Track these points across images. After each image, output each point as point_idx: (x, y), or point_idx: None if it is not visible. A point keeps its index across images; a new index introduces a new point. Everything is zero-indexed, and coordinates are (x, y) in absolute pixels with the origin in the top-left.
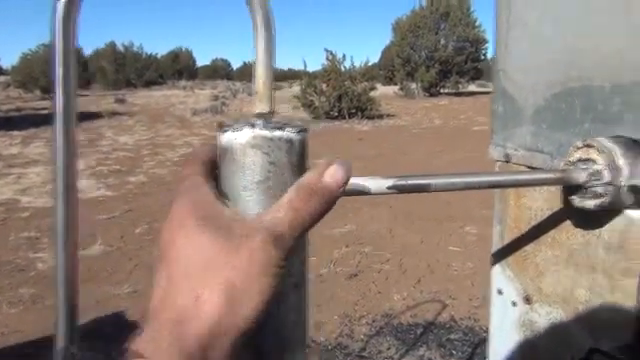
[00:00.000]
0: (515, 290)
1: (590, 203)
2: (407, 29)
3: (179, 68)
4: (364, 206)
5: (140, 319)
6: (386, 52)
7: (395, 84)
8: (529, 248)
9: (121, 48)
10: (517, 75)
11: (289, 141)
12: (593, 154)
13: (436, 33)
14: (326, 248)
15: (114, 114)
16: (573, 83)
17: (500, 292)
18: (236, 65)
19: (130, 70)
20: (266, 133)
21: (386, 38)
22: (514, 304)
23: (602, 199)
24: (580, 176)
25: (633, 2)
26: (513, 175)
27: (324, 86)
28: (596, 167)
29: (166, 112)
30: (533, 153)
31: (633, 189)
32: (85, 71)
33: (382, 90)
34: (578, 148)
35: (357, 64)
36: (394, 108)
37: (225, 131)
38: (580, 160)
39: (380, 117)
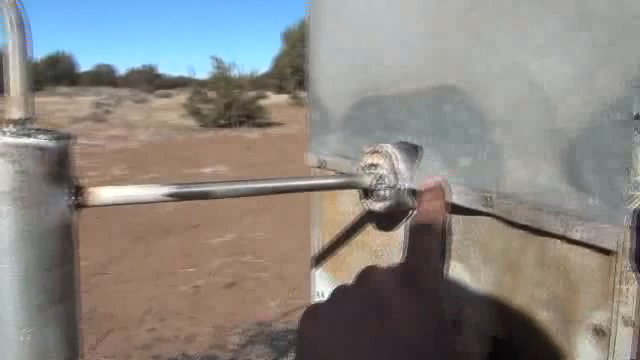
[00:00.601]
0: None
1: (378, 206)
2: (297, 39)
3: (58, 73)
4: (247, 214)
5: None
6: (277, 61)
7: (287, 93)
8: (342, 251)
9: None
10: (326, 84)
11: (41, 149)
12: (379, 159)
13: None
14: (205, 258)
15: None
16: (368, 92)
17: (321, 295)
18: (122, 71)
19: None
20: (13, 140)
21: (277, 47)
22: None
23: (387, 202)
24: (366, 180)
25: (408, 18)
26: (301, 180)
27: (213, 94)
28: (381, 171)
29: (42, 121)
30: (341, 159)
31: (412, 191)
32: None
33: (274, 99)
34: (367, 154)
35: (247, 72)
36: (284, 116)
37: None
38: (369, 165)
39: (270, 125)
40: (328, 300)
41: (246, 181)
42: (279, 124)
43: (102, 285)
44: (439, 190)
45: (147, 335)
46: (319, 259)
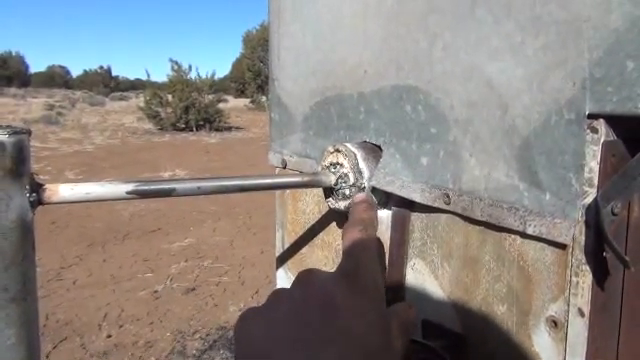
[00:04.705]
0: None
1: (341, 204)
2: (257, 42)
3: (8, 74)
4: (207, 219)
5: None
6: (237, 64)
7: (247, 97)
8: (305, 250)
9: None
10: (288, 84)
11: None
12: (341, 158)
13: None
14: (163, 263)
15: None
16: (330, 92)
17: None
18: (76, 73)
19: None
20: None
21: (237, 50)
22: None
23: (349, 200)
24: (329, 179)
25: (368, 20)
26: (265, 179)
27: (170, 97)
28: (343, 170)
29: None
30: (303, 159)
31: (373, 190)
32: None
33: (233, 103)
34: (330, 153)
35: (205, 75)
36: (244, 120)
37: None
38: (332, 164)
39: (229, 129)
40: (266, 302)
41: (210, 179)
42: (239, 128)
43: (57, 291)
44: (370, 201)
45: (104, 342)
46: (283, 259)
